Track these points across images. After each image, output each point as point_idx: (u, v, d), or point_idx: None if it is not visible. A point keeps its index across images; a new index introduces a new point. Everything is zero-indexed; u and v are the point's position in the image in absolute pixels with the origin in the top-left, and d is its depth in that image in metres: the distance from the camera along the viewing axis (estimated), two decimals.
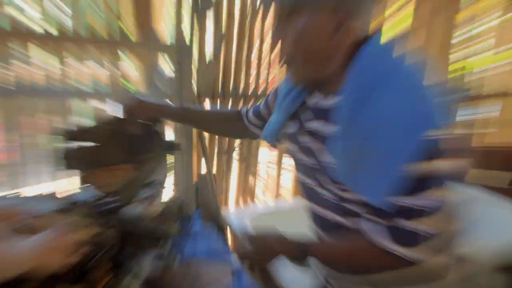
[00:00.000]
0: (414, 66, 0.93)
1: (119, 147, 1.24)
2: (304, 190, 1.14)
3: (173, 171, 1.97)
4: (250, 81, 2.17)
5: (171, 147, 1.38)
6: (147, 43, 1.75)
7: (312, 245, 0.99)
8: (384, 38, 0.95)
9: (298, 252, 1.00)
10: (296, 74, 1.00)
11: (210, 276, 1.19)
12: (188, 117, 1.43)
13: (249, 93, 2.15)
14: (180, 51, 1.79)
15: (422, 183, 0.83)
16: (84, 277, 1.06)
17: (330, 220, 1.04)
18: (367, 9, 0.94)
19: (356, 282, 1.05)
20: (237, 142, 2.21)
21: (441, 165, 0.83)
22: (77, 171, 1.25)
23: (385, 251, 0.88)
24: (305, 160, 1.07)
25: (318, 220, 1.10)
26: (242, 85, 2.14)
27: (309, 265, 1.01)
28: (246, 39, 2.09)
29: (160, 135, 1.34)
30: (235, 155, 2.23)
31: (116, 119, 1.28)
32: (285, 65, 1.00)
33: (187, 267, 1.24)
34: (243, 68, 2.12)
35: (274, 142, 1.23)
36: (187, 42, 1.96)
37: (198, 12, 1.92)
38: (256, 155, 2.28)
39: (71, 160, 1.22)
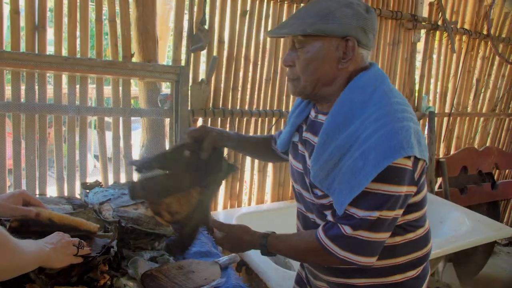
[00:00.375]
0: (397, 96, 1.03)
1: (189, 172, 1.23)
2: (294, 193, 1.27)
3: None
4: (237, 99, 2.42)
5: (230, 168, 1.34)
6: (147, 65, 1.97)
7: (271, 239, 1.14)
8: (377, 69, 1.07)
9: (260, 244, 1.16)
10: (296, 88, 1.09)
11: (201, 275, 1.35)
12: (240, 144, 1.43)
13: (237, 109, 2.40)
14: (177, 72, 2.02)
15: (376, 201, 0.96)
16: (83, 278, 1.18)
17: (311, 220, 1.17)
18: (372, 39, 1.05)
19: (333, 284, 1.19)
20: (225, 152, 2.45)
21: (396, 189, 0.96)
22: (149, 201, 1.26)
23: (331, 253, 1.02)
24: (297, 166, 1.20)
25: (302, 220, 1.24)
26: (230, 103, 2.39)
27: (274, 254, 1.20)
28: (234, 62, 2.34)
29: (223, 157, 1.32)
30: None
31: (187, 145, 1.27)
32: (290, 84, 1.11)
33: (180, 266, 1.40)
34: (231, 88, 2.37)
35: (284, 150, 1.31)
36: (183, 63, 2.20)
37: (193, 36, 2.15)
38: (241, 163, 2.53)
39: (144, 191, 1.20)
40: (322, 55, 1.02)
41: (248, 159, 2.59)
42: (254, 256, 1.90)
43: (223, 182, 1.34)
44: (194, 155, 1.24)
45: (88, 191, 1.74)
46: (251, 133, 2.54)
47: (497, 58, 3.57)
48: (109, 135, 2.11)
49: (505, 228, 2.44)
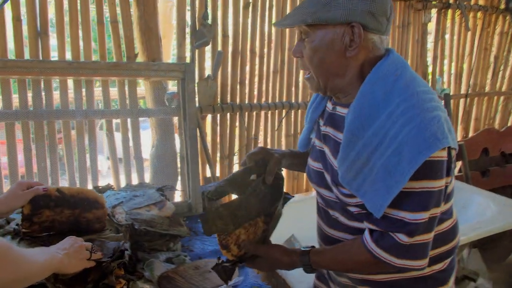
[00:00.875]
0: (421, 85, 0.96)
1: (257, 198, 1.11)
2: (316, 175, 1.17)
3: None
4: (245, 93, 2.38)
5: (287, 197, 1.21)
6: (152, 64, 1.93)
7: (313, 256, 1.05)
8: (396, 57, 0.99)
9: (302, 263, 1.07)
10: (312, 84, 1.05)
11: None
12: (295, 161, 1.32)
13: (245, 103, 2.36)
14: (183, 69, 1.98)
15: (423, 200, 0.90)
16: (99, 284, 1.16)
17: (332, 217, 1.12)
18: (384, 22, 0.96)
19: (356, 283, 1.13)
20: (236, 148, 2.42)
21: (438, 184, 0.90)
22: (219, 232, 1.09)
23: (379, 260, 0.95)
24: (313, 164, 1.15)
25: (324, 216, 1.17)
26: (238, 97, 2.35)
27: (315, 271, 1.11)
28: (239, 56, 2.30)
29: (283, 183, 1.20)
30: (236, 159, 2.44)
31: (253, 169, 1.17)
32: (305, 77, 1.07)
33: (197, 266, 1.38)
34: (238, 82, 2.33)
35: (305, 150, 1.25)
36: (188, 60, 2.17)
37: (196, 32, 2.12)
38: None
39: (222, 220, 1.06)
40: (326, 44, 0.96)
41: None
42: None
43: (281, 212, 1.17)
44: (259, 180, 1.13)
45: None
46: (261, 127, 2.50)
47: None
48: (118, 136, 2.10)
49: None
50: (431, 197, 0.90)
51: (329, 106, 1.12)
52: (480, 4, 3.22)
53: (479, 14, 3.23)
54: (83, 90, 1.93)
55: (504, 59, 3.49)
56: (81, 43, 1.93)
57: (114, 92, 2.10)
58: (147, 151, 2.28)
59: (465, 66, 3.32)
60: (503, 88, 3.62)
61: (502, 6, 3.28)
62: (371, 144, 0.92)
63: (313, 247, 1.10)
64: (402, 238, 0.92)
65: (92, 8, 1.98)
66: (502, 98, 3.61)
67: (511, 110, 3.69)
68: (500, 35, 3.43)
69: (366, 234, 0.99)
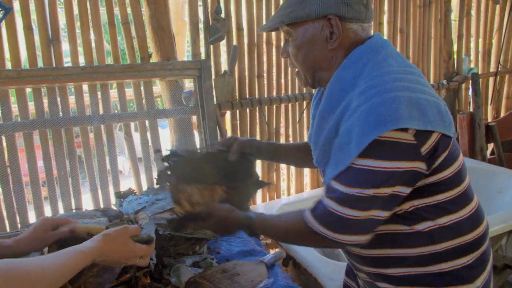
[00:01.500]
0: (393, 65, 0.94)
1: (217, 170, 1.25)
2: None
3: None
4: (264, 86, 2.31)
5: (261, 183, 1.38)
6: (166, 64, 1.89)
7: (256, 220, 1.08)
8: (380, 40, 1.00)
9: (246, 224, 1.09)
10: (300, 80, 1.10)
11: (247, 277, 1.28)
12: (272, 151, 1.39)
13: (265, 97, 2.29)
14: (198, 66, 1.94)
15: (353, 175, 0.89)
16: None
17: None
18: (361, 10, 0.98)
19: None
20: None
21: (388, 164, 0.86)
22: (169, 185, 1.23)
23: (314, 232, 0.95)
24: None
25: None
26: (257, 91, 2.28)
27: (258, 235, 1.18)
28: (256, 48, 2.23)
29: (254, 168, 1.34)
30: None
31: (218, 151, 1.30)
32: (296, 75, 1.12)
33: (224, 269, 1.34)
34: (256, 76, 2.26)
35: None
36: (203, 56, 2.11)
37: (210, 28, 2.06)
38: None
39: (169, 175, 1.23)
40: (307, 40, 1.00)
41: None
42: (300, 250, 1.80)
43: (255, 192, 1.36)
44: (223, 156, 1.26)
45: (122, 200, 1.70)
46: (282, 120, 2.43)
47: None
48: (137, 136, 2.07)
49: None
50: (374, 175, 0.87)
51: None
52: None
53: None
54: (99, 93, 1.90)
55: None
56: (93, 46, 1.90)
57: (130, 92, 2.07)
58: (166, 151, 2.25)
59: (494, 42, 3.15)
60: None
61: None
62: (335, 126, 0.95)
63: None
64: (332, 205, 0.91)
65: (102, 10, 1.94)
66: None
67: None
68: None
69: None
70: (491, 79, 3.17)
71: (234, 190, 1.26)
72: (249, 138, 1.39)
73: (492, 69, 3.18)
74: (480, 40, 3.11)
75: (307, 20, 0.98)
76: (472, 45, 3.11)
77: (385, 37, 2.75)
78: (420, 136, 0.86)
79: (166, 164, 1.23)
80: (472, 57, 3.13)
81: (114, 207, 1.74)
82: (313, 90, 1.26)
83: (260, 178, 1.37)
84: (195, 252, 1.50)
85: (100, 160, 1.95)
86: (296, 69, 1.10)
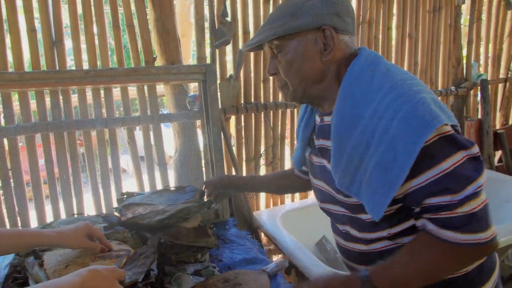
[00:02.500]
0: (399, 74, 0.94)
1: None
2: (320, 193, 1.16)
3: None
4: (269, 91, 2.28)
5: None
6: (171, 67, 1.86)
7: (376, 272, 0.91)
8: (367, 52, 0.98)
9: (363, 283, 0.91)
10: (287, 94, 1.05)
11: (249, 287, 1.26)
12: (255, 184, 1.57)
13: (270, 102, 2.26)
14: (203, 71, 1.91)
15: (462, 178, 0.84)
16: None
17: (343, 232, 1.11)
18: (350, 22, 0.98)
19: None
20: (262, 149, 2.33)
21: (456, 158, 0.84)
22: None
23: (471, 244, 0.85)
24: (318, 184, 1.14)
25: (339, 234, 1.15)
26: (262, 96, 2.26)
27: None
28: (262, 52, 2.20)
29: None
30: (262, 160, 2.35)
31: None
32: (281, 91, 1.07)
33: (226, 279, 1.31)
34: (262, 80, 2.24)
35: (301, 168, 1.29)
36: (209, 60, 2.09)
37: (216, 31, 2.03)
38: (281, 158, 2.40)
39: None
40: (301, 52, 0.97)
41: (287, 151, 2.45)
42: (302, 257, 1.78)
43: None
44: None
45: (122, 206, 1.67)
46: (287, 126, 2.40)
47: None
48: (140, 135, 2.05)
49: None
50: (467, 166, 0.85)
51: (317, 119, 1.11)
52: None
53: None
54: (102, 97, 1.88)
55: None
56: (97, 48, 1.88)
57: (133, 91, 2.04)
58: (170, 150, 2.21)
59: (504, 48, 3.10)
60: None
61: None
62: (360, 144, 0.91)
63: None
64: (465, 209, 0.84)
65: (107, 10, 1.92)
66: None
67: None
68: None
69: (428, 224, 0.89)
70: (501, 86, 3.13)
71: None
72: (232, 176, 1.53)
73: (502, 75, 3.13)
74: (490, 45, 3.07)
75: (300, 32, 0.95)
76: (482, 50, 3.06)
77: (394, 42, 2.71)
78: (453, 129, 0.88)
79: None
80: (482, 63, 3.08)
81: (116, 213, 1.72)
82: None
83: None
84: (197, 260, 1.47)
85: (103, 162, 1.93)
86: (281, 84, 1.04)
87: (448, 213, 0.85)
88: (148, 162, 2.03)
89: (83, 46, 1.87)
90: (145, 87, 1.96)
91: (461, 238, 0.85)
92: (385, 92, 0.89)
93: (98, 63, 1.89)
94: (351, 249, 1.10)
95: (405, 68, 2.72)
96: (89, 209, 1.94)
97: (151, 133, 2.01)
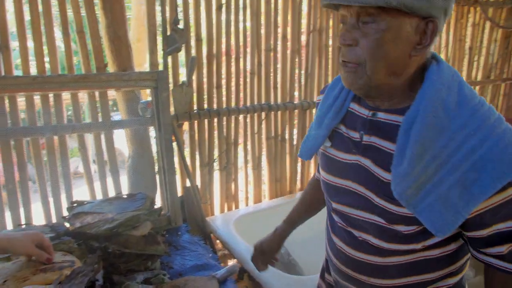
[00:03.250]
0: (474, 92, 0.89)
1: None
2: (332, 209, 1.10)
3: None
4: (222, 98, 2.32)
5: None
6: (122, 74, 1.86)
7: None
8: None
9: None
10: (356, 80, 0.88)
11: None
12: (301, 217, 1.37)
13: (223, 108, 2.30)
14: (155, 78, 1.91)
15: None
16: None
17: (359, 239, 1.01)
18: (444, 23, 0.86)
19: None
20: (216, 154, 2.36)
21: None
22: None
23: None
24: (340, 182, 1.02)
25: (344, 237, 1.06)
26: (215, 102, 2.29)
27: None
28: (215, 59, 2.24)
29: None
30: (216, 165, 2.39)
31: None
32: (347, 70, 0.89)
33: (175, 286, 1.32)
34: (215, 86, 2.27)
35: (310, 159, 1.14)
36: (161, 67, 2.10)
37: (167, 38, 2.05)
38: (234, 163, 2.44)
39: None
40: (398, 36, 0.82)
41: (241, 154, 2.50)
42: None
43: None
44: None
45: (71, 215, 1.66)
46: (241, 131, 2.45)
47: (487, 23, 3.45)
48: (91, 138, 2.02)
49: None
50: None
51: (363, 111, 0.98)
52: None
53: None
54: (51, 104, 1.85)
55: (478, 50, 3.51)
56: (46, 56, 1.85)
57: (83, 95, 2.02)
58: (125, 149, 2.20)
59: (442, 57, 3.31)
60: (478, 77, 3.64)
61: None
62: (439, 157, 0.83)
63: None
64: None
65: (56, 13, 1.89)
66: (478, 87, 3.64)
67: (486, 97, 3.72)
68: (472, 26, 3.44)
69: (505, 264, 0.87)
70: None
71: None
72: (273, 236, 1.39)
73: None
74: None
75: (408, 14, 0.80)
76: None
77: None
78: None
79: None
80: None
81: (66, 223, 1.70)
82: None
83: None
84: (147, 268, 1.48)
85: (53, 170, 1.90)
86: (355, 60, 0.86)
87: None
88: (100, 168, 2.01)
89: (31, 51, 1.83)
90: (96, 93, 1.95)
91: None
92: (476, 108, 0.83)
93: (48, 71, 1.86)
94: (361, 259, 1.02)
95: None
96: (39, 219, 1.90)
97: (103, 140, 2.00)
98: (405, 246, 0.94)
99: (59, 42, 2.23)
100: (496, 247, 0.86)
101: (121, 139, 2.12)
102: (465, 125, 0.82)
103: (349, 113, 1.02)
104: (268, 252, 1.39)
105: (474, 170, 0.80)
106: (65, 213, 1.82)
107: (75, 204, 1.75)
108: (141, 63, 3.48)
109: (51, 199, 1.91)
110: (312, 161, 2.79)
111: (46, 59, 1.86)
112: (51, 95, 1.85)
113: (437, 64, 0.88)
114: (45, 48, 1.85)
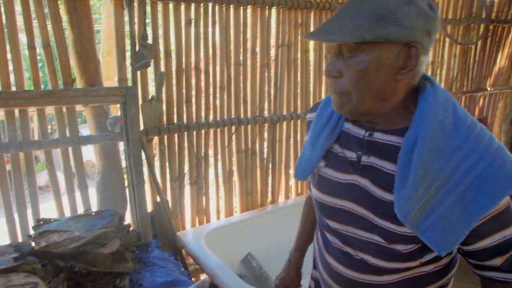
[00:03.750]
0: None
1: None
2: (324, 227, 1.10)
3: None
4: (192, 111, 2.33)
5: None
6: (90, 90, 1.85)
7: None
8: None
9: None
10: (345, 107, 0.92)
11: None
12: (308, 241, 1.37)
13: (192, 122, 2.31)
14: (123, 93, 1.91)
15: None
16: None
17: (356, 258, 1.01)
18: (431, 42, 0.88)
19: None
20: (186, 168, 2.37)
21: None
22: None
23: None
24: (336, 202, 1.02)
25: (339, 257, 1.05)
26: (185, 117, 2.30)
27: None
28: (184, 73, 2.25)
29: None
30: (186, 179, 2.39)
31: None
32: (336, 97, 0.93)
33: None
34: (184, 101, 2.29)
35: (305, 179, 1.14)
36: (130, 83, 2.09)
37: (136, 53, 2.05)
38: (205, 177, 2.45)
39: None
40: (380, 65, 0.84)
41: (211, 168, 2.51)
42: (224, 277, 1.83)
43: None
44: None
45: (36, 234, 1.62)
46: (211, 144, 2.46)
47: (447, 39, 3.62)
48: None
49: None
50: None
51: (358, 131, 1.00)
52: None
53: None
54: (16, 120, 1.82)
55: (439, 64, 3.67)
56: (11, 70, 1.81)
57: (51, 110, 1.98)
58: (91, 179, 2.19)
59: None
60: None
61: None
62: (438, 178, 0.85)
63: None
64: None
65: (20, 24, 1.86)
66: None
67: None
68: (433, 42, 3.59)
69: (500, 275, 0.93)
70: None
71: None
72: (291, 266, 1.36)
73: None
74: None
75: (386, 43, 0.82)
76: None
77: (312, 64, 2.90)
78: None
79: None
80: None
81: (31, 242, 1.66)
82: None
83: None
84: (116, 286, 1.47)
85: (18, 187, 1.86)
86: (340, 91, 0.90)
87: None
88: (68, 184, 1.98)
89: None
90: (64, 108, 1.93)
91: None
92: (470, 129, 0.86)
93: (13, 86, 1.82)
94: (357, 279, 1.01)
95: (323, 89, 2.90)
96: (3, 238, 1.85)
97: (71, 155, 1.98)
98: (403, 265, 0.95)
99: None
100: (492, 260, 0.91)
101: (93, 151, 2.09)
102: (461, 147, 0.85)
103: (343, 132, 1.03)
104: (292, 285, 1.35)
105: (471, 190, 0.84)
106: (31, 231, 1.78)
107: (41, 222, 1.72)
108: (112, 76, 3.44)
109: (16, 216, 1.86)
110: (283, 174, 2.83)
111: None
112: (16, 110, 1.82)
113: (431, 86, 0.91)
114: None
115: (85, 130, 2.17)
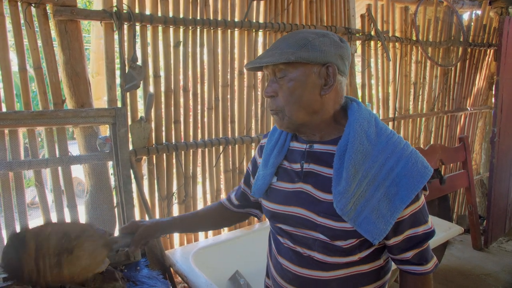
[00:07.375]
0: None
1: None
2: (276, 232, 1.25)
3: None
4: (180, 132, 2.38)
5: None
6: (80, 111, 1.89)
7: None
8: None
9: None
10: (282, 122, 1.11)
11: None
12: (186, 223, 1.44)
13: (181, 142, 2.35)
14: (113, 114, 1.95)
15: (424, 210, 1.11)
16: None
17: (304, 255, 1.15)
18: (347, 66, 1.11)
19: None
20: (175, 187, 2.40)
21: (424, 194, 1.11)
22: None
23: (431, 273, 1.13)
24: (282, 209, 1.18)
25: (291, 257, 1.19)
26: (174, 137, 2.35)
27: None
28: (172, 95, 2.31)
29: None
30: (175, 199, 2.42)
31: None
32: (275, 116, 1.12)
33: None
34: (173, 121, 2.33)
35: (262, 196, 1.26)
36: (119, 104, 2.14)
37: (125, 75, 2.10)
38: (193, 197, 2.48)
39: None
40: (304, 82, 1.05)
41: (200, 187, 2.55)
42: None
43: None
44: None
45: None
46: (199, 165, 2.50)
47: (428, 61, 3.75)
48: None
49: (454, 227, 2.53)
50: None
51: (299, 145, 1.20)
52: (397, 36, 3.48)
53: (397, 45, 3.50)
54: (7, 140, 1.84)
55: (421, 85, 3.79)
56: (1, 92, 1.85)
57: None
58: (81, 199, 2.21)
59: (391, 91, 3.56)
60: (424, 110, 3.91)
61: (414, 37, 3.58)
62: (368, 176, 1.04)
63: None
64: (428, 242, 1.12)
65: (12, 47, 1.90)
66: (423, 119, 3.91)
67: (431, 129, 3.99)
68: (415, 63, 3.74)
69: (411, 267, 1.13)
70: (390, 123, 3.55)
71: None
72: (152, 221, 1.35)
73: (391, 114, 3.57)
74: (380, 89, 3.50)
75: (308, 64, 1.04)
76: (374, 92, 3.47)
77: None
78: None
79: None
80: (374, 104, 3.49)
81: None
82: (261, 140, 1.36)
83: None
84: None
85: (7, 208, 1.86)
86: (276, 108, 1.10)
87: (426, 244, 1.12)
88: (57, 204, 1.99)
89: None
90: (54, 129, 1.96)
91: (430, 267, 1.13)
92: (389, 137, 1.08)
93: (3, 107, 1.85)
94: (307, 275, 1.15)
95: None
96: None
97: (60, 176, 2.00)
98: (345, 259, 1.11)
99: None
100: (405, 253, 1.11)
101: (82, 170, 2.11)
102: (384, 150, 1.06)
103: (290, 150, 1.23)
104: (149, 236, 1.34)
105: (394, 185, 1.04)
106: None
107: None
108: (101, 96, 3.47)
109: (4, 236, 1.87)
110: None
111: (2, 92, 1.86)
112: (6, 130, 1.84)
113: (357, 105, 1.13)
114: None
115: (74, 146, 2.19)
